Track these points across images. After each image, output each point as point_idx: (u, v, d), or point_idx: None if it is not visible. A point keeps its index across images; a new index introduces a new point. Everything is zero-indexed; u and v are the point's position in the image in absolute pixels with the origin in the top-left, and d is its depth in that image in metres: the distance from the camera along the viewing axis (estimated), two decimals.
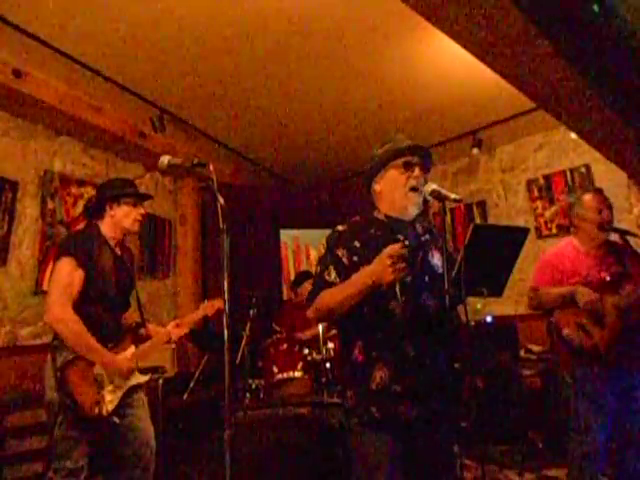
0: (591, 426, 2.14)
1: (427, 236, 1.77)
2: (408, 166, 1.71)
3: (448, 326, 1.61)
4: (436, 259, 1.71)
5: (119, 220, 2.25)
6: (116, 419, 2.07)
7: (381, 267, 1.49)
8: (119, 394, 2.12)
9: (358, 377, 1.64)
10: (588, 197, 2.43)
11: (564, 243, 2.50)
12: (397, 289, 1.59)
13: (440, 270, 1.66)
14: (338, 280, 1.66)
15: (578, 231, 2.44)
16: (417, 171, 1.70)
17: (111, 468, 2.23)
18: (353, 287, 1.57)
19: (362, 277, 1.56)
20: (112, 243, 2.27)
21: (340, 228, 1.78)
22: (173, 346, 4.22)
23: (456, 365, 1.66)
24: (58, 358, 2.04)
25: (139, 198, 2.32)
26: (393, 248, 1.49)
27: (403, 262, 1.47)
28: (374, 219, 1.78)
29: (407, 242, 1.63)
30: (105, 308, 2.17)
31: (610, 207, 2.39)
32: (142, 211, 2.31)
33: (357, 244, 1.70)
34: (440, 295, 1.57)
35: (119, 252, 2.31)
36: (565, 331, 2.22)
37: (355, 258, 1.67)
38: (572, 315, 2.23)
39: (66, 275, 2.07)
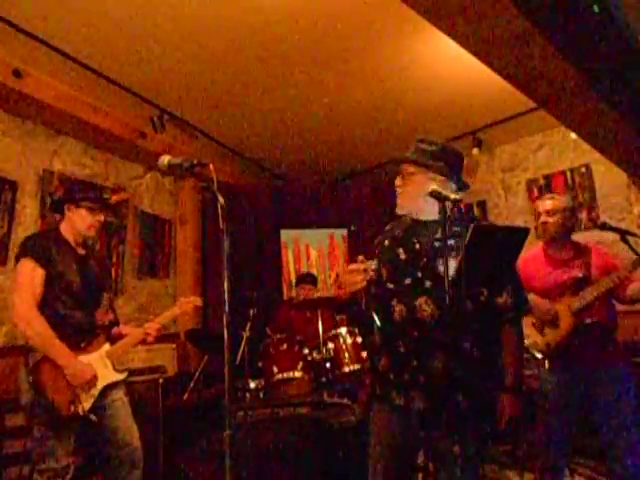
0: (553, 438, 2.29)
1: (451, 241, 1.64)
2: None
3: (450, 332, 1.57)
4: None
5: (75, 223, 2.26)
6: (93, 417, 2.07)
7: (344, 279, 1.66)
8: (94, 392, 2.13)
9: (374, 358, 1.85)
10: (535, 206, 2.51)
11: (536, 248, 2.52)
12: (393, 293, 1.73)
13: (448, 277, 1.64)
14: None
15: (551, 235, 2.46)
16: (397, 179, 1.77)
17: (100, 469, 2.23)
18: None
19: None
20: (73, 243, 2.28)
21: (387, 227, 1.92)
22: (173, 346, 4.23)
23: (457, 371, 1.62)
24: (30, 360, 2.06)
25: (98, 204, 2.30)
26: (354, 263, 1.65)
27: (362, 275, 1.62)
28: (400, 220, 1.85)
29: (419, 245, 1.73)
30: (73, 306, 2.18)
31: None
32: (100, 218, 2.31)
33: (386, 243, 1.84)
34: (442, 303, 1.58)
35: (82, 252, 2.31)
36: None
37: (379, 257, 1.83)
38: (527, 317, 2.30)
39: (26, 276, 2.09)
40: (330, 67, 3.44)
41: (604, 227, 2.41)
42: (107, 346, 2.26)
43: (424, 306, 1.65)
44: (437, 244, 1.68)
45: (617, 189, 4.10)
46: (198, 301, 2.65)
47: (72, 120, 3.59)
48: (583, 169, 4.33)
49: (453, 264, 1.64)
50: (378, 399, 1.78)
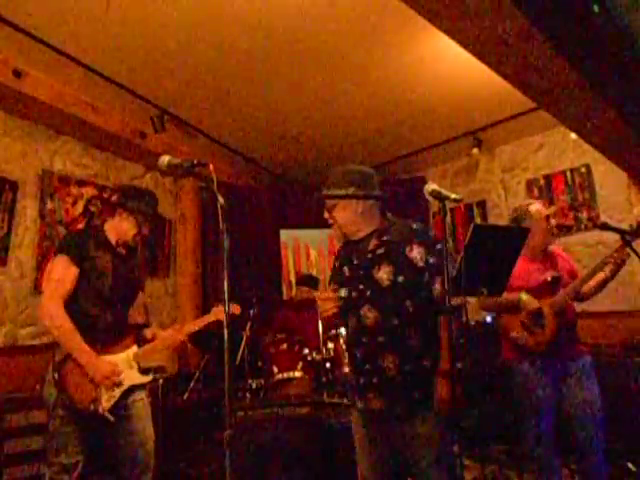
0: (540, 435, 2.41)
1: (381, 250, 1.83)
2: None
3: (394, 333, 1.75)
4: (382, 272, 1.80)
5: (121, 229, 2.28)
6: (110, 416, 2.07)
7: (320, 305, 1.84)
8: (117, 393, 2.12)
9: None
10: (535, 207, 2.58)
11: None
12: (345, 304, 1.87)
13: (385, 283, 1.78)
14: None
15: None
16: (325, 213, 1.99)
17: (109, 468, 2.23)
18: None
19: None
20: (114, 243, 2.28)
21: (338, 250, 2.09)
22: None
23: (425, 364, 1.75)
24: (57, 355, 2.06)
25: (150, 216, 2.33)
26: (326, 291, 1.86)
27: (333, 303, 1.80)
28: (345, 242, 2.00)
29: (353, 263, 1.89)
30: (102, 307, 2.18)
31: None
32: (146, 232, 2.33)
33: (337, 264, 2.02)
34: (382, 307, 1.76)
35: (123, 251, 2.31)
36: (512, 333, 2.48)
37: (333, 278, 2.04)
38: (517, 318, 2.46)
39: (59, 272, 2.10)
40: (330, 67, 3.43)
41: (604, 227, 2.44)
42: (135, 348, 2.26)
43: (368, 313, 1.80)
44: (369, 255, 1.85)
45: (617, 189, 4.10)
46: (237, 310, 2.68)
47: (72, 120, 3.59)
48: (583, 169, 4.33)
49: (387, 270, 1.79)
50: (352, 404, 1.93)
